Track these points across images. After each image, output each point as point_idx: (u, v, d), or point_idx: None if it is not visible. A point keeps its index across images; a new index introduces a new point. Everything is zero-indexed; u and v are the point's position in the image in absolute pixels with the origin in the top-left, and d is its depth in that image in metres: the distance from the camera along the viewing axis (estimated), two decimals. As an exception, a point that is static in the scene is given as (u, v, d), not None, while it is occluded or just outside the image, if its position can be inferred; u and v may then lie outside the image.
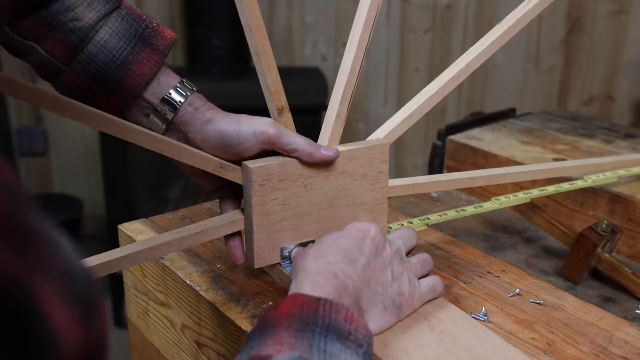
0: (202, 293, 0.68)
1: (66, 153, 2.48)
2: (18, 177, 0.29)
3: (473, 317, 0.64)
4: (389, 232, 0.71)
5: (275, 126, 0.61)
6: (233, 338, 0.64)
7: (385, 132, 0.69)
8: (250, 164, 0.60)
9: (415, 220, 0.75)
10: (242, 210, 0.64)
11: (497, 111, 1.15)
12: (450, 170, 1.01)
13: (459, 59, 0.71)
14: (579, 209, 0.86)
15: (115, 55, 0.60)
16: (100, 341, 0.29)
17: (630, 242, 0.81)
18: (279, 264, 0.66)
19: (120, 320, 2.14)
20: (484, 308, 0.66)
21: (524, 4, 0.72)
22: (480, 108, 2.20)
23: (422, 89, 0.71)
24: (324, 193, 0.65)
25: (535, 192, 0.80)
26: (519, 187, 0.88)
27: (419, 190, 0.73)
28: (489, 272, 0.73)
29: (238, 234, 0.65)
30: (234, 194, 0.65)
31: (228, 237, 0.64)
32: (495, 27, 0.72)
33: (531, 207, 0.80)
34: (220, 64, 2.09)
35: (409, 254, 0.66)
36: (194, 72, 2.11)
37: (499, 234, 0.85)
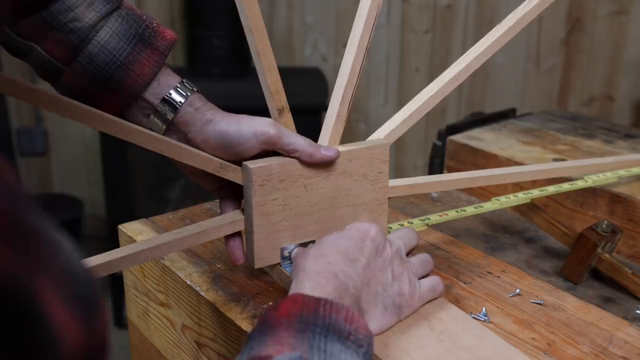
0: (202, 293, 0.68)
1: (66, 153, 2.48)
2: (18, 177, 0.29)
3: (473, 317, 0.64)
4: (389, 232, 0.71)
5: (275, 126, 0.61)
6: (233, 338, 0.64)
7: (385, 132, 0.69)
8: (250, 164, 0.60)
9: (415, 220, 0.75)
10: (242, 210, 0.64)
11: (497, 111, 1.15)
12: (450, 170, 1.01)
13: (459, 59, 0.71)
14: (579, 209, 0.86)
15: (115, 55, 0.60)
16: (100, 341, 0.29)
17: (630, 242, 0.81)
18: (279, 264, 0.66)
19: (120, 320, 2.14)
20: (484, 308, 0.66)
21: (524, 4, 0.72)
22: (480, 108, 2.20)
23: (422, 89, 0.71)
24: (324, 193, 0.65)
25: (535, 192, 0.80)
26: (519, 187, 0.88)
27: (419, 190, 0.74)
28: (489, 272, 0.73)
29: (238, 234, 0.65)
30: (234, 194, 0.65)
31: (228, 237, 0.64)
32: (495, 27, 0.72)
33: (531, 207, 0.80)
34: (220, 64, 2.09)
35: (409, 254, 0.66)
36: (194, 72, 2.11)
37: (499, 234, 0.85)
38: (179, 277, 0.71)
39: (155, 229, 0.81)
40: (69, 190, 2.50)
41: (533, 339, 0.62)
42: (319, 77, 2.20)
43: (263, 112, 0.63)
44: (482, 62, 0.71)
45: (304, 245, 0.65)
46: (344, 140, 0.67)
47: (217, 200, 0.69)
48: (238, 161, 0.62)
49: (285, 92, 0.62)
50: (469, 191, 0.97)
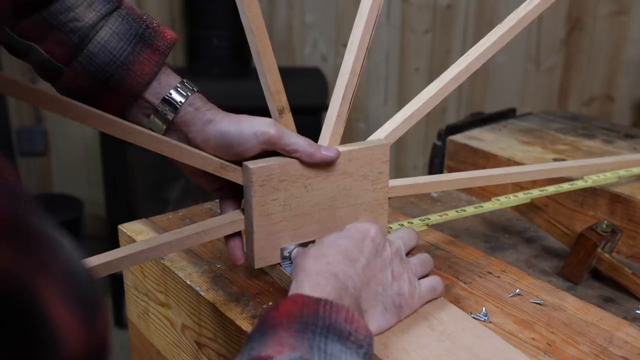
0: (202, 293, 0.68)
1: (66, 153, 2.48)
2: (18, 177, 0.29)
3: (473, 317, 0.64)
4: (389, 232, 0.71)
5: (275, 126, 0.61)
6: (233, 338, 0.64)
7: (386, 132, 0.69)
8: (251, 164, 0.61)
9: (415, 220, 0.75)
10: (242, 210, 0.64)
11: (497, 111, 1.15)
12: (450, 170, 1.01)
13: (459, 59, 0.71)
14: (579, 209, 0.86)
15: (115, 55, 0.60)
16: (101, 341, 0.29)
17: (630, 242, 0.81)
18: (279, 264, 0.66)
19: (120, 320, 2.14)
20: (484, 308, 0.66)
21: (525, 3, 0.72)
22: (480, 108, 2.20)
23: (422, 89, 0.71)
24: (324, 193, 0.65)
25: (535, 192, 0.80)
26: (519, 187, 0.88)
27: (419, 190, 0.74)
28: (489, 272, 0.73)
29: (238, 234, 0.65)
30: (234, 194, 0.65)
31: (228, 237, 0.64)
32: (496, 27, 0.72)
33: (531, 207, 0.80)
34: (220, 64, 2.09)
35: (408, 254, 0.66)
36: (194, 72, 2.11)
37: (499, 234, 0.85)
38: (179, 277, 0.71)
39: (155, 229, 0.81)
40: (69, 190, 2.50)
41: (533, 339, 0.62)
42: (319, 77, 2.20)
43: (263, 112, 0.63)
44: (483, 63, 0.71)
45: (304, 245, 0.65)
46: (344, 140, 0.67)
47: (217, 200, 0.69)
48: (238, 161, 0.62)
49: (285, 92, 0.62)
50: (469, 191, 0.97)
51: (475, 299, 0.68)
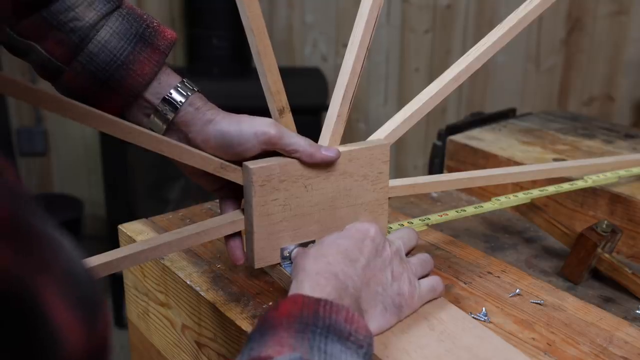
0: (202, 293, 0.68)
1: (66, 153, 2.48)
2: (18, 177, 0.29)
3: (473, 317, 0.64)
4: (389, 232, 0.71)
5: (275, 126, 0.61)
6: (233, 338, 0.64)
7: (386, 132, 0.69)
8: (251, 164, 0.61)
9: (415, 220, 0.75)
10: (242, 210, 0.64)
11: (497, 111, 1.15)
12: (450, 170, 1.01)
13: (459, 59, 0.71)
14: (579, 209, 0.86)
15: (115, 54, 0.60)
16: (102, 341, 0.29)
17: (630, 242, 0.81)
18: (279, 264, 0.66)
19: (120, 320, 2.14)
20: (484, 308, 0.66)
21: (525, 4, 0.72)
22: (480, 108, 2.20)
23: (422, 89, 0.71)
24: (324, 193, 0.65)
25: (535, 192, 0.80)
26: (519, 187, 0.88)
27: (419, 190, 0.74)
28: (489, 272, 0.73)
29: (238, 234, 0.65)
30: (234, 194, 0.65)
31: (228, 237, 0.64)
32: (496, 27, 0.72)
33: (531, 207, 0.80)
34: (220, 64, 2.09)
35: (408, 253, 0.66)
36: (194, 72, 2.11)
37: (499, 234, 0.85)
38: (179, 277, 0.71)
39: (155, 229, 0.81)
40: (69, 190, 2.50)
41: (533, 339, 0.62)
42: (319, 77, 2.20)
43: (263, 112, 0.63)
44: (483, 63, 0.71)
45: (304, 245, 0.65)
46: (344, 140, 0.67)
47: (217, 200, 0.69)
48: (238, 161, 0.62)
49: (285, 92, 0.62)
50: (469, 191, 0.97)
51: (475, 299, 0.68)
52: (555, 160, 0.94)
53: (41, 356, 0.25)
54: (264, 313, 0.63)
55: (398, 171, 2.45)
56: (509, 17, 0.72)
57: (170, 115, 0.61)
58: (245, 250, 0.65)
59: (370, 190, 0.67)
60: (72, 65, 0.60)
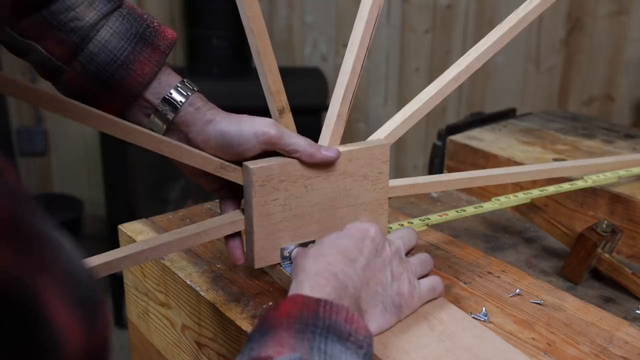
0: (202, 293, 0.68)
1: (66, 153, 2.48)
2: (18, 177, 0.29)
3: (473, 317, 0.64)
4: (389, 232, 0.71)
5: (275, 126, 0.61)
6: (233, 338, 0.64)
7: (386, 132, 0.69)
8: (251, 164, 0.61)
9: (415, 220, 0.75)
10: (242, 210, 0.64)
11: (497, 111, 1.15)
12: (450, 170, 1.01)
13: (459, 59, 0.71)
14: (579, 209, 0.86)
15: (115, 54, 0.60)
16: (102, 342, 0.29)
17: (630, 242, 0.81)
18: (279, 264, 0.66)
19: (120, 320, 2.14)
20: (484, 308, 0.66)
21: (525, 4, 0.72)
22: (480, 108, 2.20)
23: (422, 89, 0.71)
24: (324, 193, 0.65)
25: (535, 192, 0.80)
26: (519, 187, 0.88)
27: (419, 190, 0.74)
28: (489, 272, 0.73)
29: (238, 234, 0.65)
30: (234, 194, 0.65)
31: (228, 237, 0.64)
32: (496, 27, 0.72)
33: (531, 207, 0.80)
34: (220, 64, 2.09)
35: (408, 253, 0.66)
36: (194, 72, 2.11)
37: (499, 234, 0.85)
38: (179, 277, 0.71)
39: (155, 229, 0.81)
40: (69, 190, 2.50)
41: (533, 339, 0.62)
42: (319, 77, 2.20)
43: (263, 112, 0.63)
44: (483, 63, 0.71)
45: (304, 245, 0.65)
46: (344, 140, 0.67)
47: (217, 200, 0.69)
48: (238, 161, 0.62)
49: (285, 92, 0.62)
50: (469, 191, 0.97)
51: (475, 299, 0.68)
52: (555, 160, 0.94)
53: (41, 357, 0.25)
54: (264, 313, 0.64)
55: (398, 171, 2.45)
56: (509, 17, 0.72)
57: (171, 115, 0.61)
58: (245, 250, 0.65)
59: (370, 190, 0.67)
60: (73, 65, 0.60)
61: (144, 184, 2.17)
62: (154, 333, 0.80)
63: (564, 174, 0.83)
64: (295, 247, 0.65)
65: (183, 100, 0.61)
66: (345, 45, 0.67)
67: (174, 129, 0.62)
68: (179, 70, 0.64)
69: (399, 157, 2.45)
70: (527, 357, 0.57)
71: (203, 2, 2.07)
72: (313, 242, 0.65)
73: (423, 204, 0.93)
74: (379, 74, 2.39)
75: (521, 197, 0.79)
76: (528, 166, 0.83)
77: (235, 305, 0.66)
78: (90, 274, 0.30)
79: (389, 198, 0.69)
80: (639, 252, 0.81)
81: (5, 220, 0.25)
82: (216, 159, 0.61)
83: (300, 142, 0.62)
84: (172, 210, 0.88)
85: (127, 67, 0.60)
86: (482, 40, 0.72)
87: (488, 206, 0.77)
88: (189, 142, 0.62)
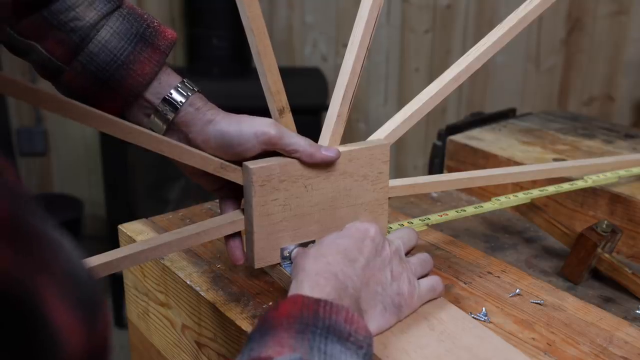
0: (202, 293, 0.68)
1: (66, 153, 2.48)
2: (18, 177, 0.29)
3: (473, 317, 0.64)
4: (389, 232, 0.71)
5: (275, 126, 0.61)
6: (233, 338, 0.64)
7: (386, 132, 0.69)
8: (251, 164, 0.61)
9: (415, 220, 0.75)
10: (242, 210, 0.64)
11: (497, 111, 1.15)
12: (450, 170, 1.01)
13: (459, 59, 0.71)
14: (579, 209, 0.86)
15: (116, 54, 0.60)
16: (102, 342, 0.29)
17: (630, 242, 0.81)
18: (279, 264, 0.66)
19: (120, 320, 2.14)
20: (484, 308, 0.66)
21: (525, 4, 0.72)
22: (480, 108, 2.20)
23: (422, 89, 0.71)
24: (324, 193, 0.65)
25: (535, 192, 0.80)
26: (519, 187, 0.88)
27: (419, 190, 0.74)
28: (489, 272, 0.73)
29: (238, 234, 0.65)
30: (234, 194, 0.65)
31: (228, 237, 0.64)
32: (496, 27, 0.72)
33: (531, 207, 0.80)
34: (220, 64, 2.09)
35: (408, 253, 0.66)
36: (194, 72, 2.11)
37: (499, 234, 0.85)
38: (179, 277, 0.71)
39: (155, 229, 0.81)
40: (69, 190, 2.50)
41: (533, 339, 0.62)
42: (319, 77, 2.20)
43: (263, 112, 0.63)
44: (483, 63, 0.71)
45: (304, 245, 0.65)
46: (344, 140, 0.67)
47: (217, 200, 0.69)
48: (238, 161, 0.62)
49: (285, 92, 0.62)
50: (469, 191, 0.97)
51: (475, 299, 0.68)
52: (555, 160, 0.94)
53: (41, 357, 0.25)
54: (264, 313, 0.63)
55: (398, 171, 2.45)
56: (509, 17, 0.72)
57: (171, 116, 0.61)
58: (245, 250, 0.65)
59: (370, 190, 0.67)
60: (73, 65, 0.60)
61: (144, 184, 2.17)
62: (154, 333, 0.81)
63: (564, 174, 0.83)
64: (295, 247, 0.65)
65: (183, 100, 0.61)
66: (345, 45, 0.67)
67: (174, 129, 0.62)
68: (179, 70, 0.64)
69: (399, 157, 2.45)
70: (527, 357, 0.57)
71: (203, 2, 2.08)
72: (313, 242, 0.65)
73: (423, 204, 0.93)
74: (379, 74, 2.39)
75: (521, 197, 0.79)
76: (528, 166, 0.83)
77: (235, 305, 0.66)
78: (90, 274, 0.30)
79: (389, 198, 0.69)
80: (639, 252, 0.81)
81: (5, 220, 0.25)
82: (216, 159, 0.61)
83: (300, 142, 0.62)
84: (172, 210, 0.88)
85: (127, 67, 0.60)
86: (482, 40, 0.72)
87: (488, 206, 0.77)
88: (189, 142, 0.62)
